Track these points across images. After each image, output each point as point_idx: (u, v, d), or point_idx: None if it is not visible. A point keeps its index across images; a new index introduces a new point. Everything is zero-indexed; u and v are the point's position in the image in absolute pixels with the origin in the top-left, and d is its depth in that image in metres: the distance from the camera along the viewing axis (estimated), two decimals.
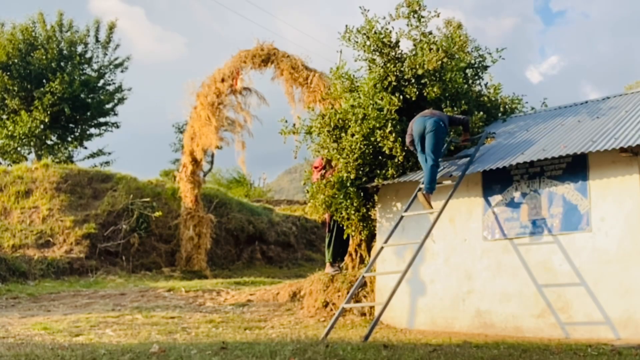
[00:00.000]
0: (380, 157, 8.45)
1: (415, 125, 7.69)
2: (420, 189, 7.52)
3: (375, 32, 8.96)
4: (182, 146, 16.13)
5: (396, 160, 8.26)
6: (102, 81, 23.46)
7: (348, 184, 8.49)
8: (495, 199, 7.46)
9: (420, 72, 8.64)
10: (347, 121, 8.70)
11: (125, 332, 7.09)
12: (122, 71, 23.91)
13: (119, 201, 15.82)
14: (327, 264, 9.43)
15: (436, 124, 7.52)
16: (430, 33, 9.20)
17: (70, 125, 23.10)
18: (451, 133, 8.36)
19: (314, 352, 4.79)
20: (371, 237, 8.87)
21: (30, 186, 15.86)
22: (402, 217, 7.56)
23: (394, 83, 8.70)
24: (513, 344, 5.96)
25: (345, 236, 9.15)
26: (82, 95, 22.33)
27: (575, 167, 6.88)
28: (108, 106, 23.61)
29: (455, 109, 8.60)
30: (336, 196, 8.59)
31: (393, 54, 8.94)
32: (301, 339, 6.09)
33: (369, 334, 6.08)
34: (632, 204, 6.45)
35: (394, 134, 8.18)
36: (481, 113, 8.64)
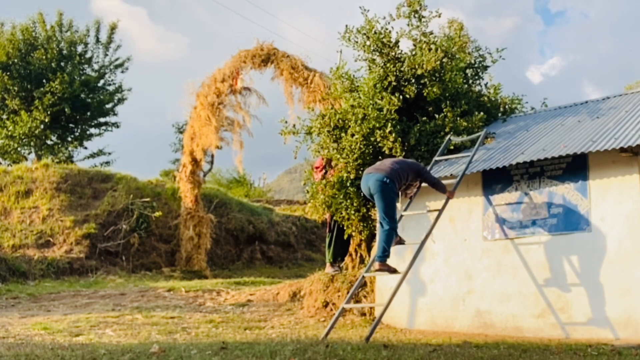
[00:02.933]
0: (380, 157, 8.45)
1: (362, 184, 6.87)
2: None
3: (375, 32, 8.97)
4: (182, 146, 16.14)
5: None
6: (102, 81, 23.47)
7: (348, 184, 8.49)
8: (495, 198, 7.46)
9: (419, 72, 8.65)
10: (347, 121, 8.70)
11: (125, 332, 7.09)
12: (122, 71, 23.97)
13: (119, 201, 15.82)
14: (327, 264, 9.43)
15: (379, 183, 6.55)
16: (431, 33, 9.21)
17: (70, 125, 23.11)
18: (451, 132, 8.35)
19: (314, 352, 4.79)
20: (371, 237, 8.87)
21: (30, 186, 15.86)
22: (401, 216, 7.56)
23: (394, 83, 8.70)
24: (513, 344, 5.96)
25: (345, 236, 9.15)
26: (82, 95, 22.33)
27: (575, 167, 6.88)
28: (108, 106, 23.62)
29: (455, 109, 8.61)
30: (336, 196, 8.59)
31: (393, 54, 8.95)
32: (301, 339, 6.09)
33: (370, 335, 6.07)
34: (632, 204, 6.45)
35: (393, 134, 8.18)
36: (481, 113, 8.64)
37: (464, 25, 10.62)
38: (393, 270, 6.67)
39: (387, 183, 6.53)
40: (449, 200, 7.25)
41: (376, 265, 6.68)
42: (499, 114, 9.67)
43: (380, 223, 6.70)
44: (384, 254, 6.60)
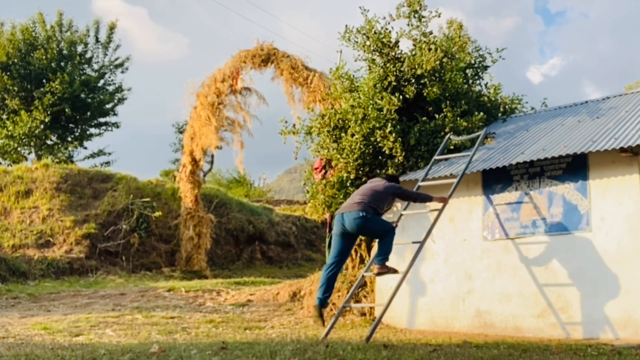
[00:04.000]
0: (380, 157, 8.45)
1: (335, 223, 6.49)
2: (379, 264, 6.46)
3: (375, 32, 8.97)
4: (182, 146, 16.15)
5: (396, 160, 8.26)
6: (102, 81, 23.48)
7: (348, 184, 8.48)
8: (495, 198, 7.46)
9: (419, 72, 8.65)
10: (347, 121, 8.70)
11: (125, 332, 7.09)
12: (122, 71, 23.98)
13: (119, 201, 15.83)
14: None
15: (358, 221, 6.23)
16: (431, 33, 9.21)
17: (70, 125, 23.12)
18: (450, 132, 8.34)
19: (314, 352, 4.79)
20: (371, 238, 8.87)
21: (30, 186, 15.86)
22: (400, 215, 7.55)
23: (394, 83, 8.70)
24: (513, 344, 5.96)
25: None
26: (82, 95, 22.35)
27: (575, 167, 6.88)
28: (108, 106, 23.63)
29: (455, 109, 8.61)
30: (336, 196, 8.58)
31: (393, 54, 8.96)
32: (301, 339, 6.09)
33: (370, 335, 6.07)
34: (632, 204, 6.45)
35: (393, 134, 8.18)
36: (481, 113, 8.64)
37: (463, 25, 10.62)
38: (393, 271, 6.59)
39: (366, 217, 6.22)
40: (448, 200, 7.21)
41: (375, 268, 6.56)
42: (499, 114, 9.66)
43: (378, 238, 6.56)
44: (383, 257, 6.44)
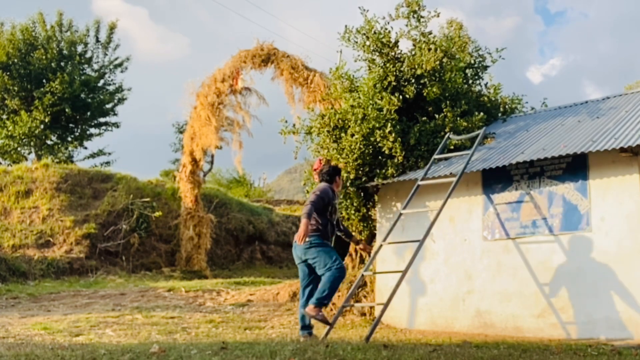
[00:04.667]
0: (379, 157, 8.45)
1: (293, 253, 6.27)
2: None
3: (374, 33, 8.98)
4: (182, 146, 16.17)
5: (396, 159, 8.26)
6: (102, 81, 23.49)
7: (348, 184, 8.48)
8: (496, 198, 7.46)
9: (419, 72, 8.65)
10: (346, 121, 8.71)
11: (125, 332, 7.09)
12: (122, 71, 24.00)
13: (119, 201, 15.83)
14: None
15: (300, 249, 6.04)
16: (430, 33, 9.21)
17: (70, 125, 23.12)
18: (450, 132, 8.34)
19: (314, 352, 4.78)
20: (371, 237, 8.87)
21: (30, 186, 15.87)
22: (400, 214, 7.55)
23: (394, 83, 8.70)
24: (513, 344, 5.96)
25: None
26: (82, 95, 22.36)
27: (575, 167, 6.88)
28: (108, 106, 23.64)
29: (455, 109, 8.61)
30: None
31: (392, 54, 8.96)
32: (301, 339, 6.09)
33: (370, 334, 6.06)
34: (632, 204, 6.45)
35: (393, 134, 8.18)
36: (481, 113, 8.64)
37: (463, 25, 10.62)
38: (324, 321, 5.99)
39: (314, 244, 6.00)
40: (447, 199, 7.17)
41: (310, 308, 5.90)
42: (499, 114, 9.66)
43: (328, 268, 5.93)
44: (318, 300, 5.84)
